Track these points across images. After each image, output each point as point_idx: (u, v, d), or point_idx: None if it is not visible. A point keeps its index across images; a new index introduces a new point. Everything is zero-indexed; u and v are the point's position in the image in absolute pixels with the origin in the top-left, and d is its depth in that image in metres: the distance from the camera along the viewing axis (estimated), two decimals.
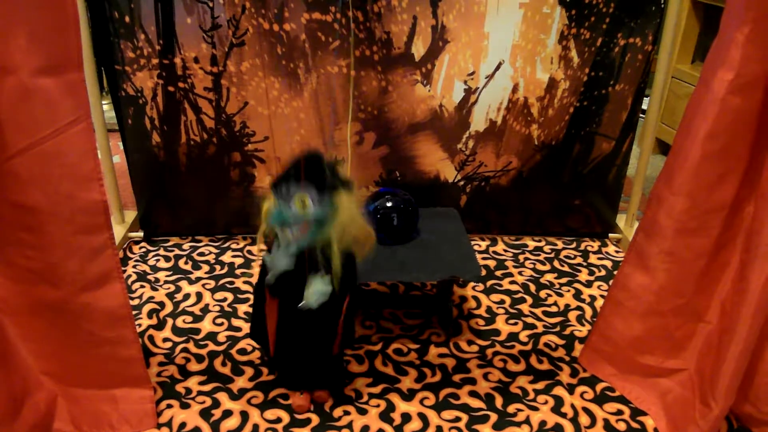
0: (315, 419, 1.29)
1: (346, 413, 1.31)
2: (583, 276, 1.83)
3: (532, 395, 1.37)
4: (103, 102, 1.81)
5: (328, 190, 1.10)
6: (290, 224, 1.10)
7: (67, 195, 1.05)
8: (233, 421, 1.28)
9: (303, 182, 1.08)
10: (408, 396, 1.36)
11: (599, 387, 1.40)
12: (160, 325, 1.56)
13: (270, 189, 1.11)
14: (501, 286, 1.77)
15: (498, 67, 1.71)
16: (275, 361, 1.33)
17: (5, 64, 0.94)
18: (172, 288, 1.71)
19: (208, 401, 1.33)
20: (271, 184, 1.11)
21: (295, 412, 1.31)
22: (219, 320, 1.59)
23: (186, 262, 1.83)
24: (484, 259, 1.90)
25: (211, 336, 1.53)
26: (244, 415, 1.30)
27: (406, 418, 1.31)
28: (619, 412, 1.34)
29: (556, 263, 1.89)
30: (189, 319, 1.59)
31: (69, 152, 1.03)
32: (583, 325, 1.61)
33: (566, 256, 1.93)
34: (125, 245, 1.91)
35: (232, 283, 1.74)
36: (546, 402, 1.36)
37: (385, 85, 1.72)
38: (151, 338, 1.51)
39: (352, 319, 1.27)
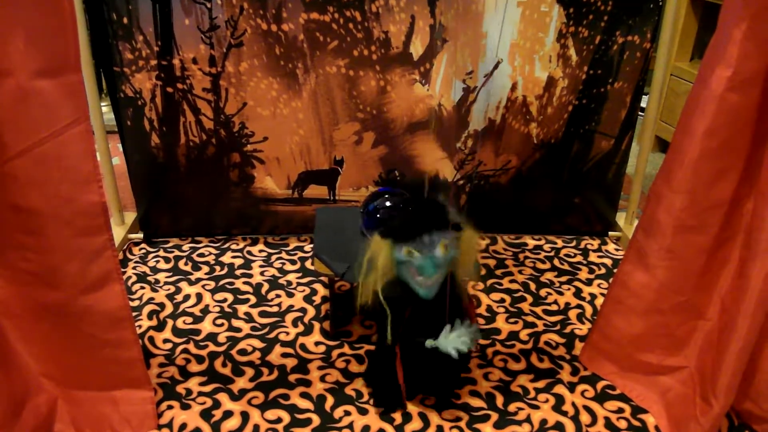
0: (316, 419, 1.29)
1: (347, 413, 1.31)
2: (583, 274, 1.83)
3: (532, 394, 1.37)
4: (102, 104, 1.81)
5: (455, 229, 1.15)
6: (438, 270, 1.14)
7: (67, 197, 1.05)
8: (234, 422, 1.28)
9: (442, 228, 1.12)
10: (409, 396, 1.36)
11: (600, 385, 1.40)
12: (160, 327, 1.56)
13: (397, 241, 1.13)
14: (501, 284, 1.76)
15: (496, 66, 1.71)
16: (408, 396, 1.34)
17: (3, 66, 0.94)
18: (172, 289, 1.71)
19: (209, 402, 1.33)
20: (398, 237, 1.14)
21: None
22: (219, 321, 1.59)
23: (186, 263, 1.83)
24: (484, 258, 1.90)
25: (212, 337, 1.53)
26: (245, 416, 1.30)
27: (407, 417, 1.31)
28: (620, 410, 1.34)
29: (556, 262, 1.89)
30: (189, 320, 1.59)
31: (68, 154, 1.03)
32: (583, 323, 1.61)
33: (566, 255, 1.93)
34: (125, 247, 1.91)
35: (232, 283, 1.74)
36: (547, 400, 1.36)
37: (383, 84, 1.72)
38: (151, 339, 1.51)
39: None
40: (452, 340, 1.16)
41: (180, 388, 1.37)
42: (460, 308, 1.22)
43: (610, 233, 2.03)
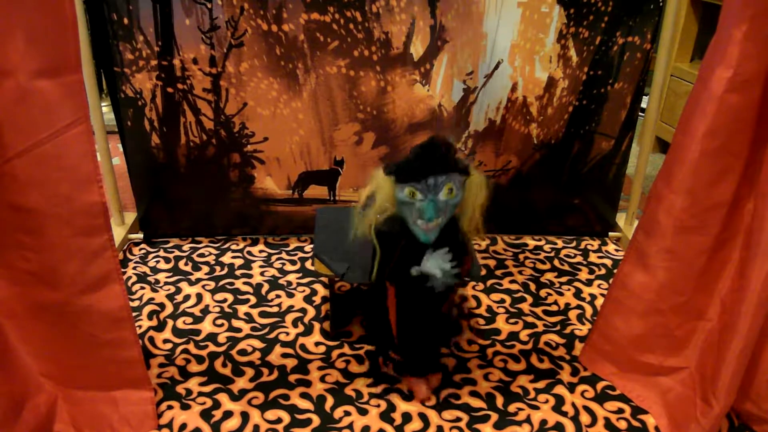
0: (316, 420, 1.29)
1: (347, 413, 1.31)
2: (584, 275, 1.83)
3: (532, 394, 1.37)
4: (103, 104, 1.82)
5: (463, 173, 1.11)
6: (439, 215, 1.11)
7: (67, 197, 1.05)
8: (234, 422, 1.28)
9: (451, 171, 1.09)
10: (409, 396, 1.36)
11: (600, 386, 1.40)
12: (160, 327, 1.56)
13: (400, 180, 1.10)
14: (501, 285, 1.77)
15: (497, 67, 1.71)
16: (401, 348, 1.31)
17: (3, 66, 0.94)
18: (172, 289, 1.71)
19: (209, 402, 1.33)
20: (400, 175, 1.10)
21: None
22: (219, 321, 1.59)
23: (186, 264, 1.83)
24: (484, 258, 1.90)
25: (212, 337, 1.53)
26: (245, 416, 1.30)
27: (407, 418, 1.31)
28: (620, 411, 1.34)
29: (556, 262, 1.89)
30: (189, 320, 1.59)
31: (68, 154, 1.03)
32: (583, 323, 1.61)
33: (566, 255, 1.93)
34: (125, 247, 1.92)
35: (232, 284, 1.74)
36: (547, 401, 1.35)
37: (383, 85, 1.72)
38: (151, 339, 1.51)
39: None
40: (435, 262, 1.14)
41: (180, 389, 1.37)
42: (461, 258, 1.19)
43: (610, 234, 2.03)
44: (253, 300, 1.68)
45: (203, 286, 1.73)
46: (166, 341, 1.52)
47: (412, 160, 1.10)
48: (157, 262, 1.84)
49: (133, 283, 1.73)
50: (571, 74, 1.74)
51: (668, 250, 1.22)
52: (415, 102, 1.75)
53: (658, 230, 1.22)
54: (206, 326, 1.57)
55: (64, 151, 1.02)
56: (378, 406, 1.33)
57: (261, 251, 1.91)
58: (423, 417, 1.31)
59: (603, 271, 1.85)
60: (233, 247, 1.93)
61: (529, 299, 1.71)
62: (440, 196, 1.09)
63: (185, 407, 1.32)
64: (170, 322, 1.58)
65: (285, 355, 1.48)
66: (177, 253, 1.89)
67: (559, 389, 1.38)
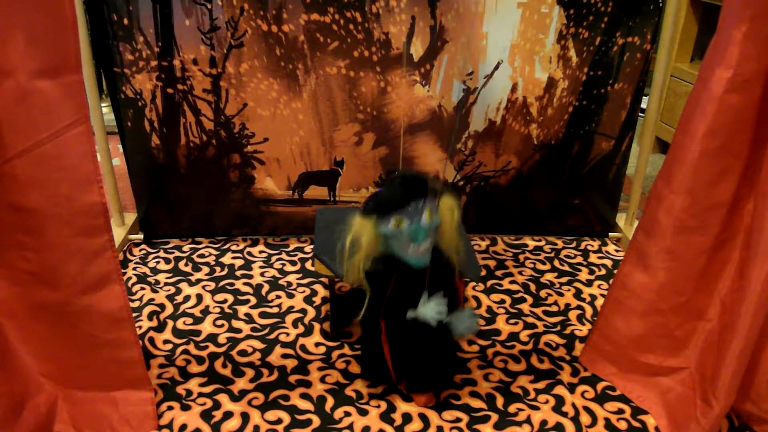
0: (316, 420, 1.29)
1: (347, 414, 1.31)
2: (584, 275, 1.83)
3: (532, 395, 1.37)
4: (103, 104, 1.82)
5: (437, 198, 1.17)
6: (425, 238, 1.16)
7: (67, 197, 1.05)
8: (234, 423, 1.28)
9: (428, 196, 1.14)
10: (409, 397, 1.36)
11: (600, 386, 1.40)
12: (160, 327, 1.56)
13: (384, 214, 1.14)
14: (501, 285, 1.76)
15: (497, 67, 1.71)
16: (398, 378, 1.34)
17: (3, 66, 0.94)
18: (173, 290, 1.71)
19: (209, 403, 1.33)
20: (382, 210, 1.15)
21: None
22: (219, 322, 1.59)
23: (186, 264, 1.83)
24: (484, 258, 1.90)
25: (212, 338, 1.53)
26: (245, 417, 1.30)
27: (407, 418, 1.30)
28: (620, 411, 1.34)
29: (556, 263, 1.89)
30: (189, 320, 1.59)
31: (68, 154, 1.03)
32: (583, 324, 1.61)
33: (566, 256, 1.93)
34: (125, 247, 1.91)
35: (232, 284, 1.74)
36: (547, 401, 1.35)
37: (383, 85, 1.72)
38: (151, 340, 1.51)
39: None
40: (430, 308, 1.19)
41: (180, 389, 1.36)
42: (452, 281, 1.24)
43: (610, 234, 2.03)
44: (253, 301, 1.68)
45: (203, 287, 1.73)
46: (166, 342, 1.51)
47: (389, 195, 1.15)
48: (157, 262, 1.84)
49: (133, 284, 1.73)
50: (571, 75, 1.74)
51: (668, 251, 1.22)
52: (415, 102, 1.75)
53: (658, 230, 1.22)
54: (206, 327, 1.57)
55: (64, 151, 1.02)
56: (378, 406, 1.33)
57: (261, 252, 1.91)
58: (423, 417, 1.31)
59: (603, 272, 1.85)
60: (233, 247, 1.93)
61: (529, 300, 1.71)
62: (424, 219, 1.14)
63: (185, 408, 1.32)
64: (170, 323, 1.58)
65: (285, 356, 1.48)
66: (177, 253, 1.89)
67: (560, 390, 1.38)
